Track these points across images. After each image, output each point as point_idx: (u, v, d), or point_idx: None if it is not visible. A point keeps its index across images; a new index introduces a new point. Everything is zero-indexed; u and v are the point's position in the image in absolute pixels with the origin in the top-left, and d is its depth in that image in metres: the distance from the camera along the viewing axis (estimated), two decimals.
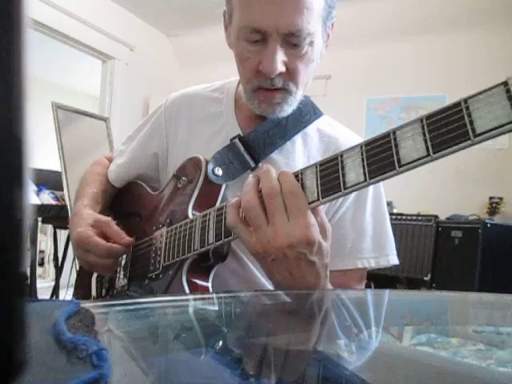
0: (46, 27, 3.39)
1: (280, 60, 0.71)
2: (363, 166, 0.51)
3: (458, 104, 0.45)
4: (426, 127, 0.46)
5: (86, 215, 0.84)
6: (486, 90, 0.43)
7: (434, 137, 0.46)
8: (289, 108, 0.78)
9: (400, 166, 0.48)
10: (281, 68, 0.72)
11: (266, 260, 0.58)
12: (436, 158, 0.46)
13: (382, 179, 0.50)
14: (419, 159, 0.47)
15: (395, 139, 0.49)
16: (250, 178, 0.60)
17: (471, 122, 0.43)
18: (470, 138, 0.43)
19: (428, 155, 0.46)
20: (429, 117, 0.47)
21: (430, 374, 0.33)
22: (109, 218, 0.83)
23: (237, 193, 0.78)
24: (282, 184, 0.56)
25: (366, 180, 0.51)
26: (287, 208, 0.55)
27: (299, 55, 0.73)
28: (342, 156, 0.54)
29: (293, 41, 0.71)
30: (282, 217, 0.55)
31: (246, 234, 0.58)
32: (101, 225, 0.80)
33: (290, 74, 0.74)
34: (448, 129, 0.45)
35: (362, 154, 0.51)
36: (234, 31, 0.75)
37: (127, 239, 0.78)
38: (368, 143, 0.52)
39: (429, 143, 0.46)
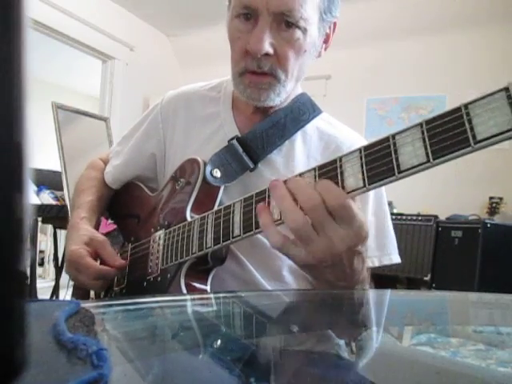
0: (46, 27, 3.39)
1: (268, 40, 0.70)
2: (362, 171, 0.50)
3: (458, 109, 0.44)
4: (425, 132, 0.46)
5: (83, 231, 0.83)
6: (486, 96, 0.42)
7: (434, 143, 0.45)
8: (276, 98, 0.76)
9: (399, 172, 0.47)
10: (268, 48, 0.71)
11: (318, 267, 0.55)
12: (436, 164, 0.46)
13: (382, 185, 0.50)
14: (419, 165, 0.46)
15: (394, 144, 0.48)
16: (279, 190, 0.54)
17: (472, 128, 0.42)
18: (470, 145, 0.43)
19: (428, 161, 0.45)
20: (428, 122, 0.46)
21: (430, 374, 0.33)
22: (104, 238, 0.81)
23: (236, 194, 0.78)
24: (324, 196, 0.51)
25: (364, 186, 0.50)
26: (336, 218, 0.52)
27: (290, 40, 0.72)
28: (341, 160, 0.53)
29: (284, 23, 0.70)
30: (332, 225, 0.52)
31: (295, 250, 0.55)
32: (95, 244, 0.79)
33: (279, 59, 0.73)
34: (448, 135, 0.44)
35: (361, 159, 0.51)
36: (230, 11, 0.75)
37: (120, 262, 0.78)
38: (367, 147, 0.51)
39: (429, 149, 0.45)
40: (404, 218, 3.18)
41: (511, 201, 3.18)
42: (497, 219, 3.09)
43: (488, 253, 2.71)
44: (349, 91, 3.83)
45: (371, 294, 0.62)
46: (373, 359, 0.35)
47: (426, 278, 3.02)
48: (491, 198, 3.21)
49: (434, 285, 2.93)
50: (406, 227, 3.14)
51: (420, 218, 3.18)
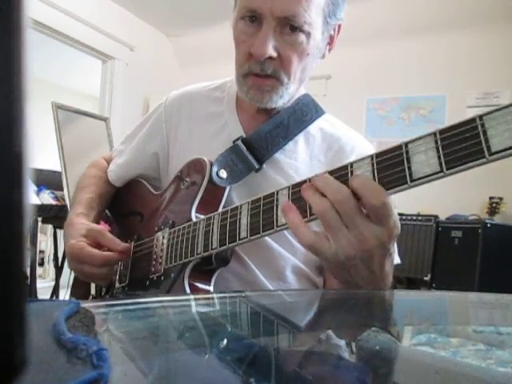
0: (46, 27, 3.38)
1: (271, 44, 0.71)
2: (374, 178, 0.50)
3: (472, 120, 0.44)
4: (439, 142, 0.46)
5: (79, 225, 0.83)
6: (502, 108, 0.42)
7: (448, 153, 0.45)
8: (278, 100, 0.77)
9: (412, 181, 0.47)
10: (271, 52, 0.71)
11: (346, 265, 0.53)
12: (449, 174, 0.45)
13: (393, 193, 0.49)
14: (432, 174, 0.46)
15: (407, 152, 0.48)
16: (306, 188, 0.53)
17: (486, 140, 0.42)
18: (485, 156, 0.43)
19: (441, 171, 0.45)
20: (442, 131, 0.46)
21: (430, 374, 0.33)
22: (102, 227, 0.81)
23: (241, 194, 0.78)
24: (362, 193, 0.49)
25: None
26: (373, 215, 0.50)
27: (294, 44, 0.72)
28: (352, 166, 0.52)
29: (288, 27, 0.71)
30: (362, 220, 0.50)
31: (326, 245, 0.52)
32: (94, 234, 0.79)
33: (282, 62, 0.73)
34: (462, 146, 0.44)
35: (373, 166, 0.50)
36: (235, 13, 0.76)
37: (123, 245, 0.77)
38: (379, 155, 0.50)
39: (442, 159, 0.45)
40: (404, 218, 3.17)
41: (511, 201, 3.18)
42: (497, 219, 3.09)
43: (488, 253, 2.71)
44: (349, 91, 3.83)
45: (371, 295, 0.62)
46: (373, 359, 0.35)
47: (426, 278, 3.02)
48: (491, 197, 3.20)
49: (433, 285, 2.93)
50: (405, 227, 3.13)
51: (420, 218, 3.18)
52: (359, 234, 0.50)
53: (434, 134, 0.46)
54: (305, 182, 0.56)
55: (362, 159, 0.52)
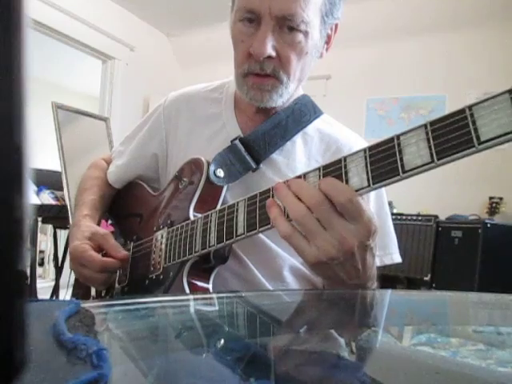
0: (46, 27, 3.39)
1: (270, 44, 0.72)
2: (367, 171, 0.51)
3: (462, 111, 0.44)
4: (430, 133, 0.46)
5: (85, 227, 0.83)
6: (490, 98, 0.43)
7: (439, 143, 0.46)
8: (278, 99, 0.77)
9: (404, 172, 0.48)
10: (270, 51, 0.72)
11: (330, 265, 0.54)
12: (440, 165, 0.46)
13: (386, 184, 0.50)
14: (423, 165, 0.47)
15: (399, 145, 0.49)
16: (282, 189, 0.55)
17: (476, 130, 0.43)
18: (474, 146, 0.43)
19: (432, 161, 0.46)
20: (433, 123, 0.46)
21: (430, 373, 0.33)
22: (107, 231, 0.82)
23: (239, 194, 0.78)
24: (330, 193, 0.52)
25: (369, 185, 0.51)
26: (344, 213, 0.52)
27: (292, 43, 0.73)
28: (345, 160, 0.53)
29: (286, 27, 0.72)
30: (339, 221, 0.52)
31: (303, 243, 0.53)
32: (98, 238, 0.80)
33: (281, 62, 0.74)
34: (452, 136, 0.45)
35: (366, 159, 0.51)
36: (233, 14, 0.76)
37: (123, 253, 0.78)
38: (371, 148, 0.51)
39: (433, 150, 0.46)
40: (404, 218, 3.18)
41: (511, 201, 3.18)
42: (497, 219, 3.09)
43: (488, 253, 2.71)
44: (349, 91, 3.83)
45: (371, 295, 0.62)
46: (373, 359, 0.35)
47: (426, 278, 3.02)
48: (491, 198, 3.20)
49: (433, 285, 2.93)
50: (405, 227, 3.14)
51: (420, 218, 3.18)
52: (338, 234, 0.52)
53: (425, 125, 0.47)
54: (300, 177, 0.57)
55: (356, 153, 0.53)
